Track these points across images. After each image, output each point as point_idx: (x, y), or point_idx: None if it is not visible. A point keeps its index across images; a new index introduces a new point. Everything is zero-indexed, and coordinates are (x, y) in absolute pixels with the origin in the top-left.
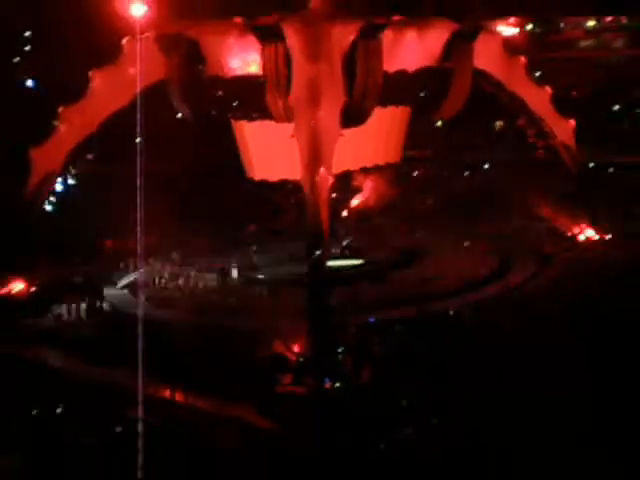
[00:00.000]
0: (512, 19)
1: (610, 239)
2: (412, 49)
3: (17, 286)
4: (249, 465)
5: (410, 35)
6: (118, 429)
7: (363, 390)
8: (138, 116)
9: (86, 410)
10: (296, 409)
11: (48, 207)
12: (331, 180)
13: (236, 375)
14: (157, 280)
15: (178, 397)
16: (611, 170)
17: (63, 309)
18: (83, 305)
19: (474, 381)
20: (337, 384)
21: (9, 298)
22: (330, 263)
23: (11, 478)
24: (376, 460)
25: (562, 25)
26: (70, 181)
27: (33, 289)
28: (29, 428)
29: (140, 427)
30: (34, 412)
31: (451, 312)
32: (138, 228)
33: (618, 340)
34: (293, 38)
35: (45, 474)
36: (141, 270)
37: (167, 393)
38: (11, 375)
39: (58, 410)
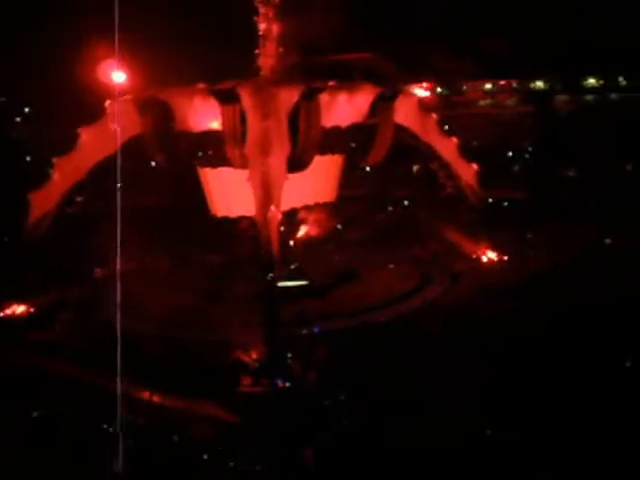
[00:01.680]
0: (425, 83)
1: (506, 259)
2: (344, 108)
3: (19, 308)
4: (218, 451)
5: (342, 97)
6: (107, 427)
7: (309, 389)
8: (118, 164)
9: (77, 409)
10: (255, 405)
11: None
12: (280, 216)
13: (205, 378)
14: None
15: (156, 398)
16: (505, 204)
17: (59, 325)
18: (75, 321)
19: (403, 379)
20: (288, 384)
21: (12, 318)
22: (280, 283)
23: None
24: (321, 444)
25: (465, 88)
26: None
27: (32, 310)
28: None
29: (124, 424)
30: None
31: (383, 321)
32: (119, 256)
33: (518, 337)
34: (247, 100)
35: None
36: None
37: (146, 395)
38: (15, 380)
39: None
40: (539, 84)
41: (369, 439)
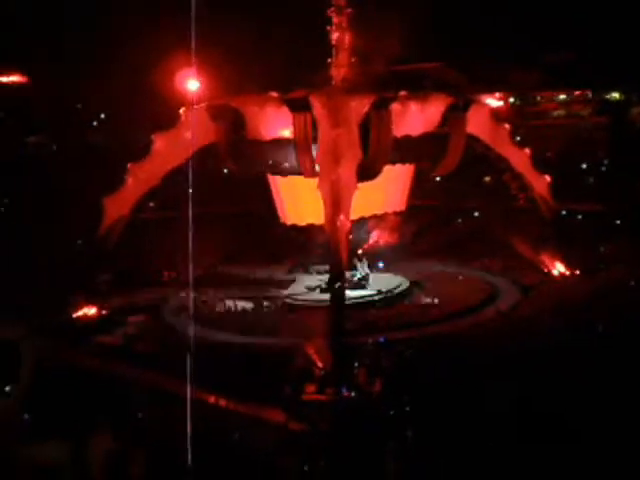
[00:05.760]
0: (498, 93)
1: (578, 273)
2: (416, 118)
3: (90, 310)
4: (280, 457)
5: (414, 106)
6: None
7: (374, 398)
8: (190, 171)
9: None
10: (319, 413)
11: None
12: (349, 225)
13: (270, 384)
14: (207, 304)
15: (222, 402)
16: (579, 217)
17: (129, 328)
18: (146, 325)
19: (468, 391)
20: (353, 393)
21: (84, 319)
22: (349, 292)
23: None
24: (384, 455)
25: (538, 98)
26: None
27: (104, 312)
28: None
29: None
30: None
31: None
32: (190, 262)
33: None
34: (319, 108)
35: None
36: (193, 296)
37: (213, 399)
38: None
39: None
40: (614, 95)
41: (432, 449)
